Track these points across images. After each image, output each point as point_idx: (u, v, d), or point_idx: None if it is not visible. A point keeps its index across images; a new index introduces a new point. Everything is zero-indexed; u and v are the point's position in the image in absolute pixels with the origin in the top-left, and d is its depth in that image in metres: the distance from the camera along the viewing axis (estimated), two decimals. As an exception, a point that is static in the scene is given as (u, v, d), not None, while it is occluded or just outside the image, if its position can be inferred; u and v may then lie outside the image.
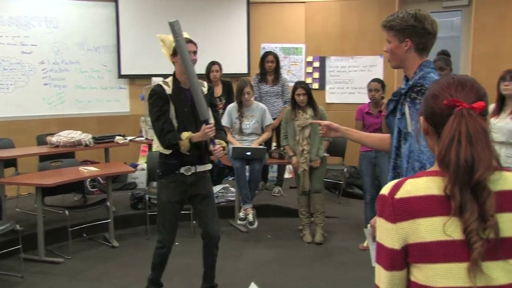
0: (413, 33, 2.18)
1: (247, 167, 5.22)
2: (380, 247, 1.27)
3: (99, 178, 5.99)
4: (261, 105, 5.51)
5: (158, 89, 3.31)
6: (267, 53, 6.24)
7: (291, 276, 4.20)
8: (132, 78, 7.30)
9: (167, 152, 3.32)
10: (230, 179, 6.16)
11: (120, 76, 7.24)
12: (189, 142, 3.25)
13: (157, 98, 3.28)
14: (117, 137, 5.84)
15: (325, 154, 5.07)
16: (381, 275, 1.27)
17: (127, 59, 7.18)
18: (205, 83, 3.52)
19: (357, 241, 4.76)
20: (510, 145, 3.80)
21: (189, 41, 3.35)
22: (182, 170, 3.36)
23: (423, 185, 1.23)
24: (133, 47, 7.19)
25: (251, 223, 5.05)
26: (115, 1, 7.05)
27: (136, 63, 7.20)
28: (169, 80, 3.37)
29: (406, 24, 2.18)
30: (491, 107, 3.98)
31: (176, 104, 3.31)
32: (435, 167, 1.27)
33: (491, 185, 1.18)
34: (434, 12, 6.94)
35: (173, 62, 3.37)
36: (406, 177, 1.30)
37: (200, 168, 3.43)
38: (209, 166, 3.54)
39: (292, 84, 5.30)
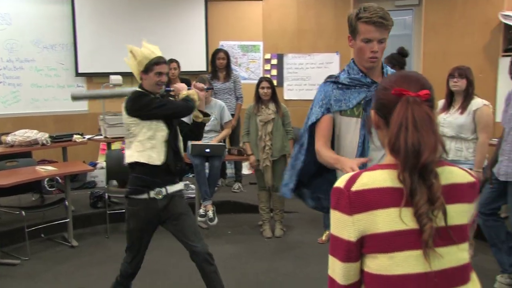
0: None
1: (206, 164, 5.19)
2: (335, 239, 1.28)
3: (57, 177, 5.84)
4: (220, 102, 5.49)
5: (142, 91, 3.11)
6: (218, 50, 6.33)
7: (252, 270, 4.21)
8: (90, 76, 7.14)
9: (143, 159, 3.02)
10: (190, 176, 6.11)
11: (78, 74, 7.07)
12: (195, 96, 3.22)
13: (145, 96, 3.07)
14: (75, 136, 5.70)
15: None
16: (336, 267, 1.28)
17: (84, 57, 7.02)
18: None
19: (316, 235, 4.81)
20: (460, 139, 3.91)
21: (163, 61, 3.16)
22: (152, 194, 3.06)
23: (378, 178, 1.25)
24: (90, 45, 7.03)
25: (211, 220, 5.03)
26: (71, -2, 6.87)
27: (93, 61, 7.04)
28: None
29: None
30: (441, 102, 4.09)
31: None
32: (389, 160, 1.29)
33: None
34: (388, 10, 7.06)
35: (141, 79, 3.14)
36: (360, 171, 1.31)
37: (171, 189, 3.15)
38: (180, 186, 3.26)
39: (244, 80, 5.30)
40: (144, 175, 3.04)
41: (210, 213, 5.03)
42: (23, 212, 4.57)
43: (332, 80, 2.38)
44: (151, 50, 3.16)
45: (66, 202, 4.82)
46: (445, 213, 1.21)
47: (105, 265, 4.15)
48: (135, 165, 3.06)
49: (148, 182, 3.05)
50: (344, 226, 1.25)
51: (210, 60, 6.39)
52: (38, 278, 4.09)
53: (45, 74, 6.92)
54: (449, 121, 3.92)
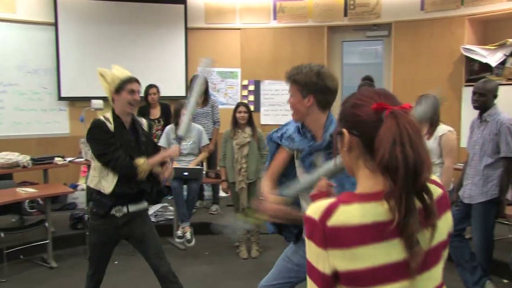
0: (316, 90, 2.14)
1: (184, 186, 5.19)
2: (311, 267, 1.18)
3: (38, 199, 5.77)
4: (198, 126, 5.52)
5: (100, 121, 3.02)
6: (195, 76, 6.34)
7: (227, 290, 4.20)
8: (72, 100, 7.12)
9: (96, 188, 3.03)
10: (169, 198, 6.09)
11: (60, 98, 7.04)
12: (147, 165, 3.00)
13: (100, 132, 3.00)
14: (56, 158, 5.67)
15: None
16: None
17: (67, 82, 7.00)
18: (144, 121, 3.31)
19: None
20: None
21: (135, 80, 3.11)
22: (113, 211, 3.05)
23: (356, 213, 1.12)
24: (73, 70, 7.02)
25: (189, 241, 5.02)
26: (54, 25, 6.88)
27: (76, 85, 7.02)
28: (109, 116, 3.07)
29: (310, 81, 2.14)
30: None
31: (120, 143, 3.03)
32: (364, 187, 1.19)
33: None
34: (359, 40, 7.25)
35: (113, 100, 3.07)
36: (336, 200, 1.16)
37: (133, 208, 3.11)
38: (144, 205, 3.21)
39: (222, 106, 5.31)
40: (102, 198, 3.04)
41: (188, 235, 5.02)
42: (1, 234, 4.50)
43: None
44: (121, 70, 3.12)
45: (46, 224, 4.76)
46: (433, 232, 1.12)
47: (83, 286, 4.09)
48: (97, 190, 3.05)
49: (110, 202, 3.03)
50: (318, 258, 1.15)
51: (189, 85, 6.43)
52: (16, 299, 4.02)
53: (28, 98, 6.87)
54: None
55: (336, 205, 1.14)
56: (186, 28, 7.37)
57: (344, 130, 1.22)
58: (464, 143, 4.84)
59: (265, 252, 5.13)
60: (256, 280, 4.36)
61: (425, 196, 1.11)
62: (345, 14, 7.04)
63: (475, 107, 3.81)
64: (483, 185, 3.72)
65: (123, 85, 3.05)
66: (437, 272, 1.20)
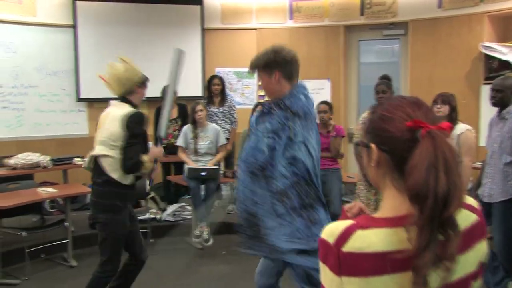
0: (277, 65, 2.36)
1: (202, 186, 5.20)
2: (323, 287, 1.10)
3: (58, 199, 5.83)
4: (215, 126, 5.53)
5: (145, 116, 3.25)
6: (213, 77, 6.40)
7: (245, 290, 4.19)
8: (91, 101, 7.18)
9: (127, 181, 3.19)
10: (186, 198, 6.12)
11: (79, 99, 7.11)
12: (150, 163, 3.21)
13: (144, 126, 3.23)
14: (76, 159, 5.72)
15: None
16: None
17: (86, 83, 7.06)
18: None
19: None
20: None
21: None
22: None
23: (374, 239, 1.02)
24: (92, 71, 7.05)
25: (207, 240, 5.02)
26: (73, 27, 6.95)
27: (94, 86, 7.05)
28: (131, 107, 3.27)
29: (268, 59, 2.37)
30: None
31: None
32: (386, 211, 1.08)
33: None
34: (376, 39, 7.18)
35: (132, 92, 3.29)
36: (354, 223, 1.06)
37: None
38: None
39: (239, 106, 5.32)
40: (123, 189, 3.22)
41: (205, 234, 5.02)
42: (24, 233, 4.56)
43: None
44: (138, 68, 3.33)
45: (66, 223, 4.81)
46: (450, 269, 0.98)
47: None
48: (119, 182, 3.20)
49: (132, 193, 3.33)
50: (332, 283, 1.06)
51: (206, 86, 6.45)
52: (37, 298, 4.07)
53: (48, 99, 6.95)
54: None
55: (353, 230, 1.04)
56: (203, 29, 7.38)
57: (373, 145, 1.10)
58: (482, 141, 4.76)
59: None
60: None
61: (449, 231, 0.97)
62: (362, 13, 6.99)
63: (493, 104, 3.75)
64: (502, 183, 3.65)
65: (146, 82, 3.30)
66: None
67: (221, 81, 6.36)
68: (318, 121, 4.94)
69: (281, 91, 2.40)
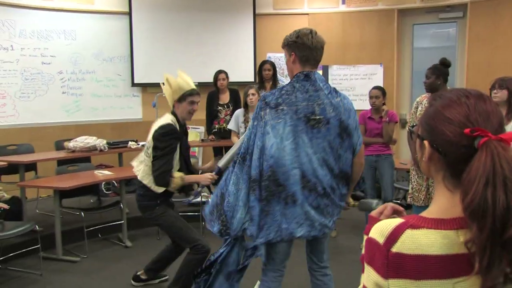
0: (295, 47, 2.48)
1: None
2: None
3: (113, 181, 5.99)
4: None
5: (174, 128, 3.32)
6: (264, 62, 6.32)
7: (299, 273, 4.17)
8: (145, 86, 7.32)
9: (160, 190, 3.35)
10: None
11: (134, 84, 7.26)
12: (181, 181, 3.33)
13: (172, 138, 3.30)
14: (130, 143, 5.85)
15: None
16: None
17: (140, 69, 7.20)
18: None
19: (358, 241, 4.73)
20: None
21: (197, 93, 3.42)
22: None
23: (424, 240, 0.96)
24: (146, 57, 7.20)
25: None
26: (128, 14, 7.08)
27: (148, 72, 7.21)
28: (173, 118, 3.39)
29: (290, 40, 2.50)
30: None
31: (181, 143, 3.42)
32: (437, 211, 1.01)
33: None
34: (431, 23, 6.93)
35: (173, 106, 3.42)
36: (403, 222, 1.01)
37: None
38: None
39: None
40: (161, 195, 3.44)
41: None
42: (82, 213, 4.72)
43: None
44: (186, 81, 3.38)
45: (121, 205, 4.94)
46: None
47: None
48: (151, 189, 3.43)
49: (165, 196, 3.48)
50: (371, 283, 1.01)
51: (258, 71, 6.42)
52: (95, 275, 4.21)
53: (104, 84, 7.14)
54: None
55: (403, 229, 0.98)
56: (255, 14, 7.35)
57: (426, 142, 1.03)
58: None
59: (341, 235, 5.06)
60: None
61: None
62: (417, -4, 6.76)
63: None
64: None
65: (186, 97, 3.35)
66: None
67: (272, 66, 6.30)
68: (370, 106, 4.85)
69: (292, 72, 2.53)
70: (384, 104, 4.83)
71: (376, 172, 4.85)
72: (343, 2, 7.20)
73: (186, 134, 3.65)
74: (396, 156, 5.97)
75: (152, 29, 7.20)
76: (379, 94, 4.79)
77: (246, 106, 5.28)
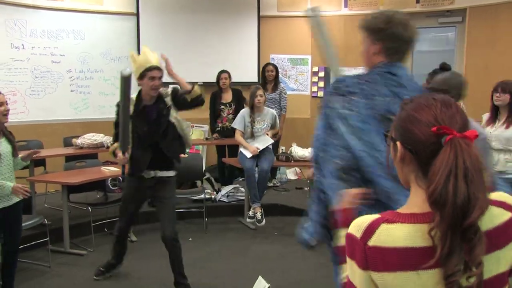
0: (383, 37, 1.86)
1: (256, 168, 5.22)
2: (350, 283, 1.09)
3: (119, 177, 6.00)
4: (272, 110, 5.52)
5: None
6: (267, 64, 6.44)
7: (297, 269, 4.20)
8: (151, 86, 7.32)
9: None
10: (240, 179, 6.16)
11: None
12: (111, 153, 3.54)
13: (117, 110, 3.54)
14: (137, 140, 5.85)
15: None
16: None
17: (146, 68, 7.20)
18: (169, 90, 3.66)
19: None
20: (508, 151, 3.73)
21: (156, 67, 3.44)
22: (144, 173, 3.56)
23: (399, 234, 1.01)
24: (153, 57, 7.21)
25: (259, 221, 5.05)
26: (136, 15, 7.09)
27: (155, 72, 7.21)
28: (134, 97, 3.47)
29: (376, 27, 1.87)
30: (485, 116, 3.95)
31: (134, 121, 3.46)
32: (411, 207, 1.06)
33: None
34: (431, 27, 6.94)
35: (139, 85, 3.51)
36: (377, 216, 1.05)
37: (161, 174, 3.59)
38: (171, 173, 3.65)
39: (293, 92, 5.29)
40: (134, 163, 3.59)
41: (259, 215, 5.05)
42: (89, 208, 4.75)
43: None
44: (146, 57, 3.42)
45: (128, 200, 4.95)
46: (481, 278, 0.96)
47: (162, 259, 4.22)
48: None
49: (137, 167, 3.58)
50: (358, 278, 1.05)
51: (261, 73, 6.47)
52: (102, 268, 4.22)
53: (111, 83, 7.15)
54: (495, 134, 3.75)
55: (378, 223, 1.03)
56: (259, 16, 7.36)
57: (398, 143, 1.09)
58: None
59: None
60: (323, 261, 4.34)
61: (472, 239, 0.95)
62: (417, 1, 6.76)
63: None
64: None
65: (145, 73, 3.38)
66: None
67: (275, 68, 6.38)
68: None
69: (371, 64, 1.91)
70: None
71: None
72: (346, 6, 7.21)
73: (144, 113, 3.55)
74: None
75: (158, 30, 7.21)
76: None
77: (252, 107, 5.28)
